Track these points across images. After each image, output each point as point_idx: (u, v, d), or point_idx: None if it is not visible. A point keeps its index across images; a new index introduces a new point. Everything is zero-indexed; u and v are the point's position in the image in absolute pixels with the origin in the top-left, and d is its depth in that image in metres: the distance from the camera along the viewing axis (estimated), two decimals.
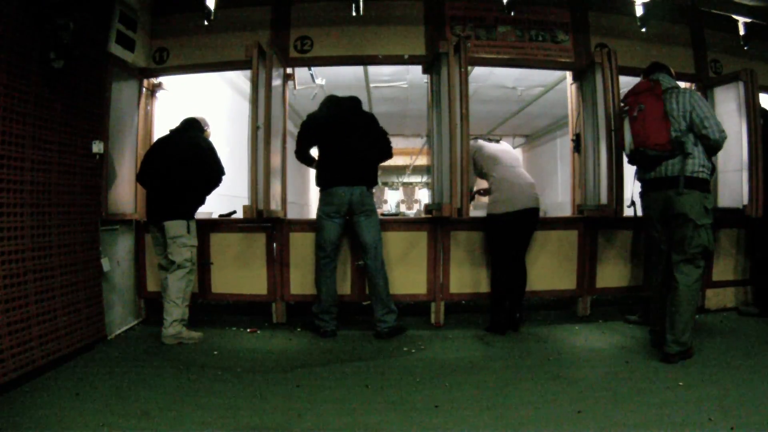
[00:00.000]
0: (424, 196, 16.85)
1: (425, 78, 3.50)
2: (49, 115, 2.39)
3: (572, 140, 3.59)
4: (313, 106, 3.26)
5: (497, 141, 3.31)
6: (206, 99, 4.44)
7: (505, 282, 3.05)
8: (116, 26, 2.90)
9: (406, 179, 17.21)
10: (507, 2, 3.20)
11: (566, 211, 4.20)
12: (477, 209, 3.89)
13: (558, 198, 7.91)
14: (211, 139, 3.14)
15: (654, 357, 2.48)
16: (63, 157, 2.50)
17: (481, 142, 3.26)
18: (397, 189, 18.93)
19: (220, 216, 3.63)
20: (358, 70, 4.80)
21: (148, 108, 3.46)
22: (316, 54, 3.43)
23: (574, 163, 3.60)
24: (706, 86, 3.61)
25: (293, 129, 4.15)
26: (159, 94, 3.55)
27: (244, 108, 4.77)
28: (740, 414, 1.82)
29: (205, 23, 3.14)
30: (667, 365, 2.37)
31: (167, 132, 3.07)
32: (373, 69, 4.84)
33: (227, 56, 3.39)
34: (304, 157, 3.15)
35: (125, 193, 3.18)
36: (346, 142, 2.97)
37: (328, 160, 3.02)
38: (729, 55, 3.70)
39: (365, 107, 3.16)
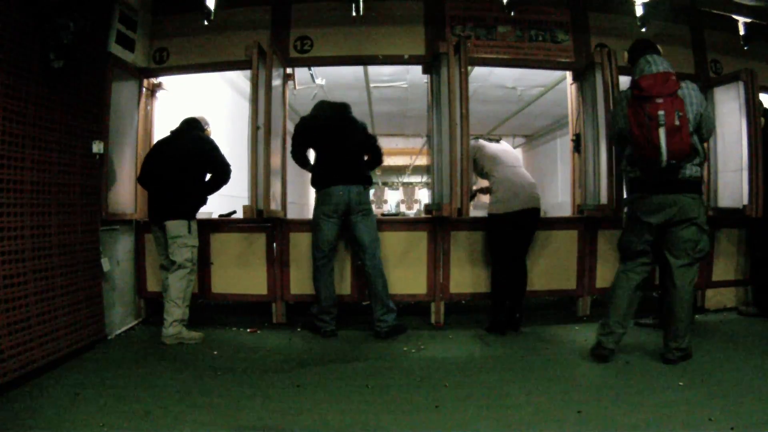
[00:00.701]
0: (424, 196, 16.82)
1: (425, 78, 3.50)
2: (49, 115, 2.39)
3: (572, 140, 3.59)
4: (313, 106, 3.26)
5: (497, 141, 3.31)
6: (206, 99, 4.44)
7: (506, 282, 3.04)
8: (116, 26, 2.90)
9: (406, 179, 17.21)
10: (507, 2, 3.20)
11: (566, 211, 4.20)
12: (477, 209, 3.89)
13: (558, 198, 7.91)
14: (213, 138, 3.13)
15: (654, 357, 2.48)
16: (63, 157, 2.50)
17: (481, 141, 3.26)
18: (397, 189, 18.91)
19: (220, 216, 3.63)
20: (358, 70, 4.80)
21: (148, 108, 3.46)
22: (316, 54, 3.43)
23: (574, 163, 3.60)
24: (706, 86, 3.60)
25: (293, 129, 4.15)
26: (159, 94, 3.55)
27: (244, 108, 4.77)
28: (740, 414, 1.82)
29: (205, 23, 3.14)
30: (666, 365, 2.37)
31: (168, 134, 3.07)
32: (373, 69, 4.84)
33: (227, 56, 3.39)
34: (299, 158, 3.14)
35: (125, 193, 3.18)
36: (340, 143, 2.99)
37: (324, 161, 3.02)
38: (729, 55, 3.70)
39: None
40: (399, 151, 10.65)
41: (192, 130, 3.02)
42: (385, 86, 5.55)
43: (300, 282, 3.32)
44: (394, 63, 3.88)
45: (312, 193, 3.20)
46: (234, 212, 3.69)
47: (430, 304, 3.34)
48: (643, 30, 3.27)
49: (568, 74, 3.66)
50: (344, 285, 3.30)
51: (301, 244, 3.31)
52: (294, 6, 3.43)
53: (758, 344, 2.73)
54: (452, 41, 3.01)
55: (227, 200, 4.17)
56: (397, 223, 3.53)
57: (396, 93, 5.87)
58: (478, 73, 4.86)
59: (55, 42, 2.32)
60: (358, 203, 2.96)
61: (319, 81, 4.95)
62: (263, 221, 3.17)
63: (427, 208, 3.31)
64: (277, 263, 3.31)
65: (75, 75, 2.56)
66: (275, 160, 3.13)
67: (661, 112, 2.22)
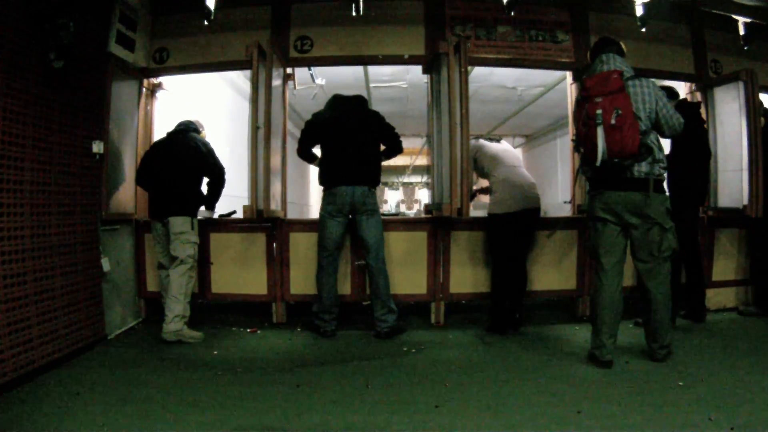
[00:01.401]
0: (424, 196, 16.85)
1: (425, 78, 3.50)
2: (49, 115, 2.39)
3: (572, 140, 3.57)
4: (313, 106, 3.27)
5: (498, 141, 3.31)
6: (206, 99, 4.44)
7: (506, 282, 3.04)
8: (116, 26, 2.90)
9: (406, 179, 17.22)
10: (507, 2, 3.20)
11: (566, 211, 4.20)
12: (477, 209, 3.89)
13: (558, 198, 7.91)
14: (211, 139, 3.14)
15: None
16: (63, 157, 2.50)
17: (482, 141, 3.26)
18: (397, 189, 18.93)
19: (220, 216, 3.63)
20: (358, 70, 4.80)
21: (148, 108, 3.46)
22: (316, 54, 3.43)
23: (574, 163, 3.60)
24: (706, 86, 3.60)
25: (293, 129, 4.15)
26: (159, 94, 3.56)
27: (244, 108, 4.76)
28: (740, 414, 1.82)
29: (205, 23, 3.14)
30: (666, 365, 2.37)
31: (164, 135, 3.08)
32: (373, 69, 4.84)
33: (227, 56, 3.39)
34: (305, 155, 3.17)
35: (125, 193, 3.18)
36: (349, 141, 2.98)
37: (331, 160, 3.02)
38: (729, 55, 3.70)
39: (367, 106, 3.17)
40: None
41: (188, 132, 3.04)
42: (385, 86, 5.55)
43: (300, 282, 3.32)
44: (394, 63, 3.88)
45: (312, 193, 3.20)
46: (234, 212, 3.69)
47: (430, 304, 3.34)
48: (643, 30, 3.27)
49: (568, 74, 3.66)
50: (345, 285, 3.30)
51: (301, 244, 3.31)
52: (294, 6, 3.43)
53: (758, 344, 2.73)
54: (452, 41, 3.01)
55: (227, 200, 4.17)
56: (397, 223, 3.53)
57: (396, 93, 5.86)
58: (478, 73, 4.86)
59: (55, 42, 2.32)
60: (363, 203, 2.96)
61: (319, 81, 4.95)
62: (263, 221, 3.17)
63: (427, 208, 3.31)
64: (277, 263, 3.31)
65: (75, 75, 2.56)
66: (275, 160, 3.13)
67: (598, 111, 2.21)
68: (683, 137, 2.43)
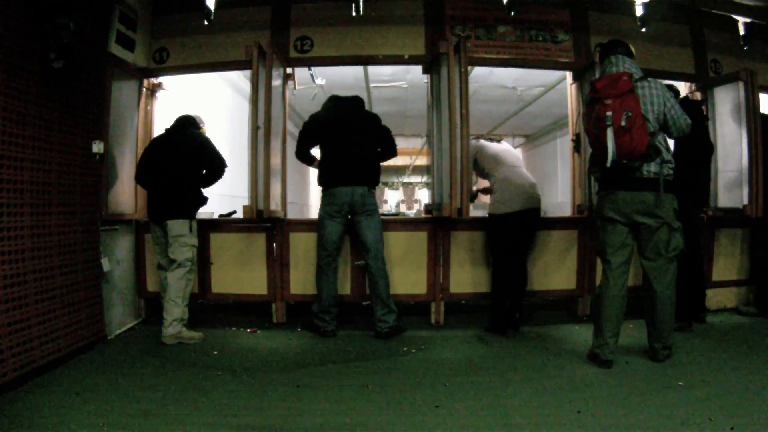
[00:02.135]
0: (424, 196, 16.85)
1: (425, 78, 3.50)
2: (49, 115, 2.39)
3: (572, 140, 3.58)
4: (313, 106, 3.27)
5: (498, 141, 3.31)
6: (206, 99, 4.44)
7: (506, 282, 3.04)
8: (116, 26, 2.90)
9: (406, 179, 17.22)
10: (507, 2, 3.20)
11: (566, 211, 4.20)
12: (477, 209, 3.89)
13: (558, 198, 7.91)
14: (211, 138, 3.13)
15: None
16: (63, 157, 2.50)
17: (482, 141, 3.26)
18: (397, 189, 18.93)
19: (220, 216, 3.63)
20: (358, 70, 4.80)
21: (148, 108, 3.46)
22: (316, 54, 3.43)
23: (574, 163, 3.60)
24: (706, 86, 3.61)
25: (293, 129, 4.14)
26: (159, 94, 3.55)
27: (244, 108, 4.77)
28: (740, 414, 1.82)
29: (205, 23, 3.14)
30: (666, 365, 2.37)
31: (163, 131, 3.06)
32: (373, 69, 4.84)
33: (227, 56, 3.39)
34: (304, 156, 3.16)
35: (125, 193, 3.18)
36: (348, 142, 2.98)
37: (330, 160, 3.02)
38: (729, 55, 3.70)
39: (365, 107, 3.17)
40: (399, 151, 10.53)
41: (187, 128, 3.02)
42: (385, 86, 5.55)
43: (300, 282, 3.32)
44: (394, 63, 3.88)
45: (312, 193, 3.20)
46: (234, 212, 3.69)
47: (430, 304, 3.34)
48: (643, 30, 3.28)
49: (568, 74, 3.66)
50: (344, 285, 3.30)
51: (301, 244, 3.31)
52: (294, 6, 3.43)
53: (758, 344, 2.73)
54: (452, 41, 3.01)
55: (227, 200, 4.18)
56: (397, 223, 3.53)
57: (396, 93, 5.87)
58: (478, 73, 4.86)
59: (55, 42, 2.32)
60: (363, 204, 2.96)
61: (319, 81, 4.95)
62: (263, 221, 3.17)
63: (427, 208, 3.31)
64: (277, 263, 3.31)
65: (75, 75, 2.56)
66: (275, 160, 3.13)
67: (608, 113, 2.22)
68: (688, 137, 2.44)
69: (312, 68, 4.50)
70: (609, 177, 2.37)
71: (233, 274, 3.35)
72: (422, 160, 11.31)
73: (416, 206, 16.94)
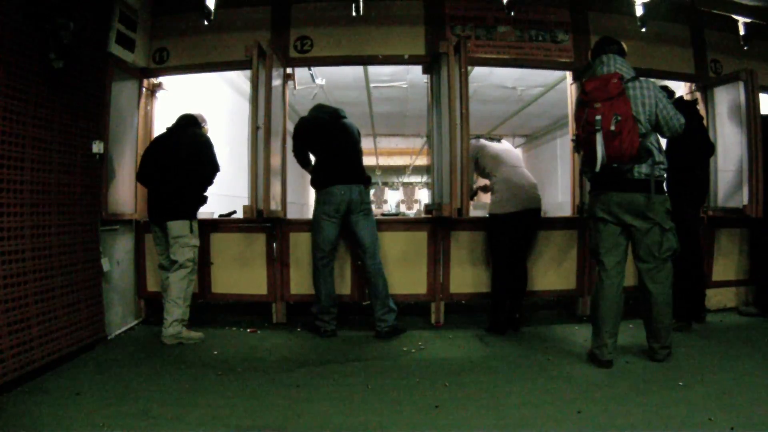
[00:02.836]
0: (424, 196, 16.86)
1: (425, 78, 3.50)
2: (49, 115, 2.39)
3: (572, 140, 3.58)
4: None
5: (498, 140, 3.31)
6: (206, 99, 4.44)
7: (506, 282, 3.04)
8: (116, 26, 2.90)
9: (406, 179, 17.23)
10: (507, 2, 3.20)
11: (566, 211, 4.20)
12: (477, 209, 3.89)
13: (558, 198, 7.91)
14: (211, 138, 3.13)
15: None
16: (63, 157, 2.50)
17: (483, 141, 3.26)
18: (397, 189, 18.95)
19: (220, 216, 3.63)
20: (358, 70, 4.80)
21: (148, 108, 3.46)
22: (316, 54, 3.43)
23: (574, 163, 3.60)
24: (706, 86, 3.61)
25: (293, 129, 4.12)
26: (159, 94, 3.55)
27: (244, 108, 4.77)
28: (740, 414, 1.82)
29: (205, 23, 3.13)
30: (666, 365, 2.38)
31: (164, 130, 3.06)
32: (373, 69, 4.84)
33: (227, 56, 3.39)
34: (301, 158, 3.16)
35: (125, 193, 3.18)
36: (341, 142, 3.00)
37: (324, 161, 3.03)
38: (729, 55, 3.70)
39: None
40: (399, 151, 10.66)
41: (188, 127, 3.01)
42: (385, 86, 5.56)
43: (300, 282, 3.32)
44: (394, 63, 3.89)
45: (312, 192, 3.19)
46: (234, 212, 3.69)
47: (430, 304, 3.34)
48: (643, 30, 3.27)
49: (568, 74, 3.66)
50: (344, 285, 3.30)
51: (301, 244, 3.31)
52: (294, 6, 3.43)
53: (758, 344, 2.73)
54: (452, 41, 3.01)
55: (227, 200, 4.18)
56: (397, 223, 3.53)
57: (396, 93, 5.87)
58: (478, 73, 4.86)
59: (55, 42, 2.32)
60: (360, 203, 2.96)
61: (319, 81, 4.95)
62: (263, 221, 3.17)
63: (427, 208, 3.31)
64: (277, 263, 3.31)
65: (75, 75, 2.56)
66: (275, 160, 3.13)
67: (598, 117, 2.20)
68: (682, 136, 2.43)
69: (312, 68, 4.50)
70: (600, 178, 2.36)
71: (233, 274, 3.35)
72: (422, 160, 11.32)
73: (416, 206, 16.95)
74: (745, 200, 3.20)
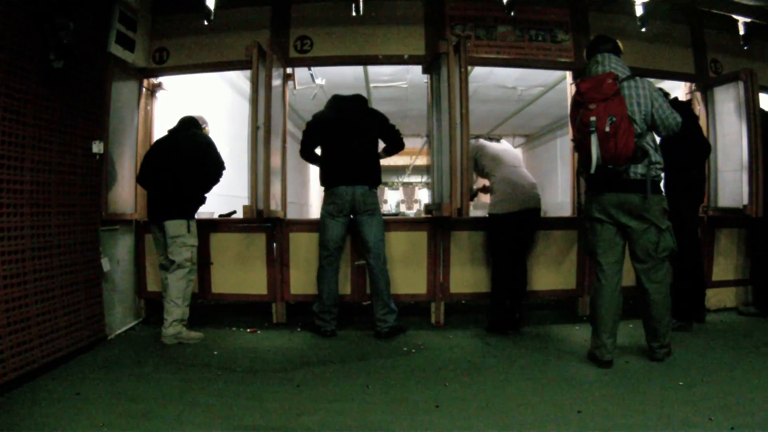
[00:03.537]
0: (424, 196, 16.86)
1: (425, 78, 3.49)
2: (49, 115, 2.39)
3: (572, 140, 3.58)
4: (313, 106, 3.27)
5: (498, 140, 3.31)
6: (206, 99, 4.44)
7: (506, 282, 3.04)
8: (116, 26, 2.90)
9: (406, 179, 17.23)
10: (507, 2, 3.20)
11: (566, 211, 4.20)
12: (477, 209, 3.89)
13: (558, 198, 7.91)
14: (211, 138, 3.13)
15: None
16: (63, 157, 2.50)
17: (482, 141, 3.26)
18: (397, 189, 18.95)
19: (220, 216, 3.63)
20: (358, 70, 4.80)
21: (148, 108, 3.46)
22: (316, 54, 3.43)
23: (574, 162, 3.60)
24: (706, 86, 3.61)
25: (293, 129, 4.14)
26: (159, 94, 3.55)
27: (244, 108, 4.77)
28: (740, 414, 1.82)
29: (205, 23, 3.13)
30: (666, 365, 2.38)
31: (165, 133, 3.07)
32: (373, 69, 4.84)
33: (227, 56, 3.39)
34: (309, 156, 3.18)
35: (125, 193, 3.18)
36: (349, 141, 2.99)
37: (331, 160, 3.03)
38: (729, 55, 3.70)
39: (367, 105, 3.17)
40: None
41: (189, 129, 3.02)
42: (385, 86, 5.55)
43: (300, 282, 3.32)
44: (394, 63, 3.88)
45: (312, 193, 3.19)
46: (234, 212, 3.69)
47: (430, 304, 3.34)
48: (643, 30, 3.27)
49: (568, 74, 3.66)
50: (345, 285, 3.30)
51: (301, 244, 3.31)
52: (294, 6, 3.43)
53: (758, 344, 2.73)
54: (452, 41, 3.01)
55: (227, 200, 4.18)
56: (397, 223, 3.53)
57: (396, 93, 5.86)
58: (478, 73, 4.86)
59: (55, 42, 2.32)
60: (364, 203, 2.96)
61: (319, 81, 4.95)
62: (263, 221, 3.17)
63: (427, 208, 3.31)
64: (277, 263, 3.31)
65: (75, 75, 2.56)
66: (275, 160, 3.13)
67: (592, 119, 2.19)
68: (678, 137, 2.43)
69: (312, 68, 4.50)
70: (596, 179, 2.35)
71: (233, 274, 3.35)
72: (422, 160, 11.32)
73: (416, 206, 16.96)
74: (745, 200, 3.20)
